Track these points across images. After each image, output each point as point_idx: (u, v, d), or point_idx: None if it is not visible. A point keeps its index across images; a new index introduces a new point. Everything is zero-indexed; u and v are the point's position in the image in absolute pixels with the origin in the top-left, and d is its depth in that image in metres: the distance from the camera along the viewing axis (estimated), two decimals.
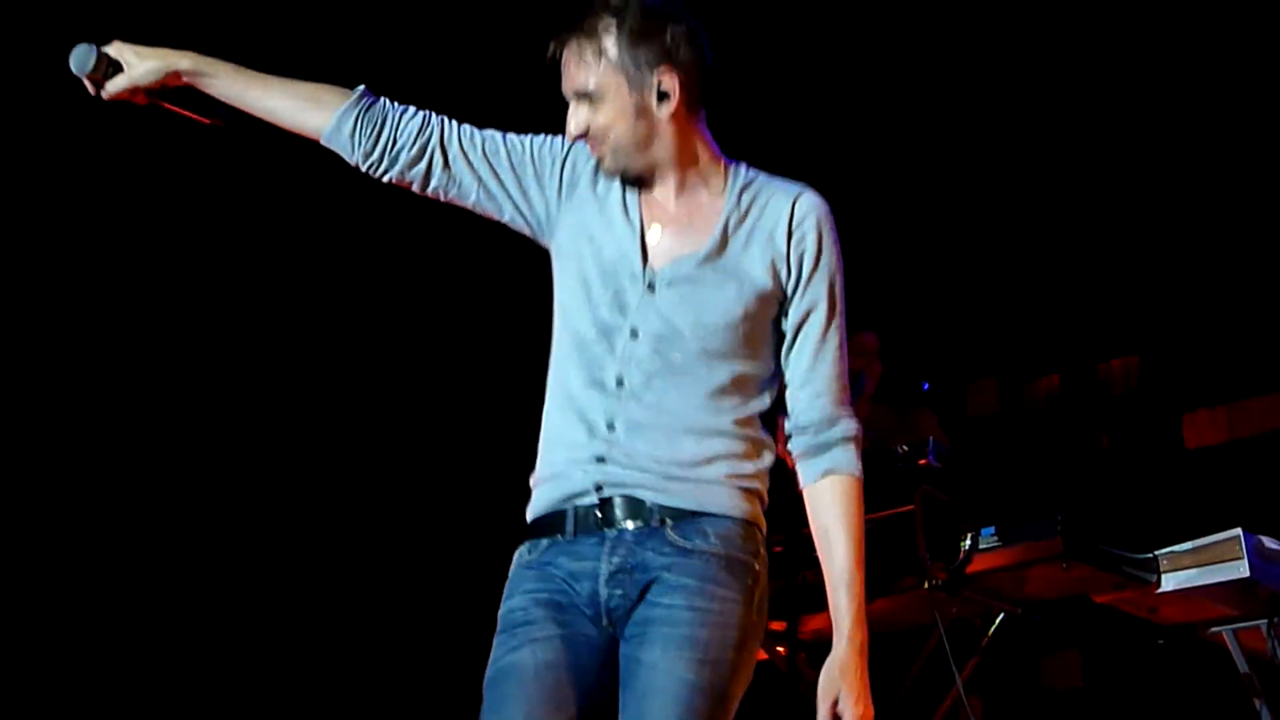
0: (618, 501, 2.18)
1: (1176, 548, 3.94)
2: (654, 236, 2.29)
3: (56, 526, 5.27)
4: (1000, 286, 6.97)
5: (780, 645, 4.15)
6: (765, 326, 2.27)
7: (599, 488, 2.19)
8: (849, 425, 2.26)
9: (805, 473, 2.27)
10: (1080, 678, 6.61)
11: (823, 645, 2.23)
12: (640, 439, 2.19)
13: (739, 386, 2.24)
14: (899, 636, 4.27)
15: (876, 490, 3.92)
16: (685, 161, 2.29)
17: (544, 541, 2.23)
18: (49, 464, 5.26)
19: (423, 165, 2.35)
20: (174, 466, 5.54)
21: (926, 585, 3.99)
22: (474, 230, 2.47)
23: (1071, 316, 6.91)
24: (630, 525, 2.17)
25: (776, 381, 2.30)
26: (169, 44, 2.38)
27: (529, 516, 2.29)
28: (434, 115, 2.39)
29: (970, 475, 4.15)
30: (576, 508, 2.21)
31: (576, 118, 2.27)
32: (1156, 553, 3.98)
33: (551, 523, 2.24)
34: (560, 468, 2.25)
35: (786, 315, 2.27)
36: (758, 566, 2.19)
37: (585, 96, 2.26)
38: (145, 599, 5.41)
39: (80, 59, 2.33)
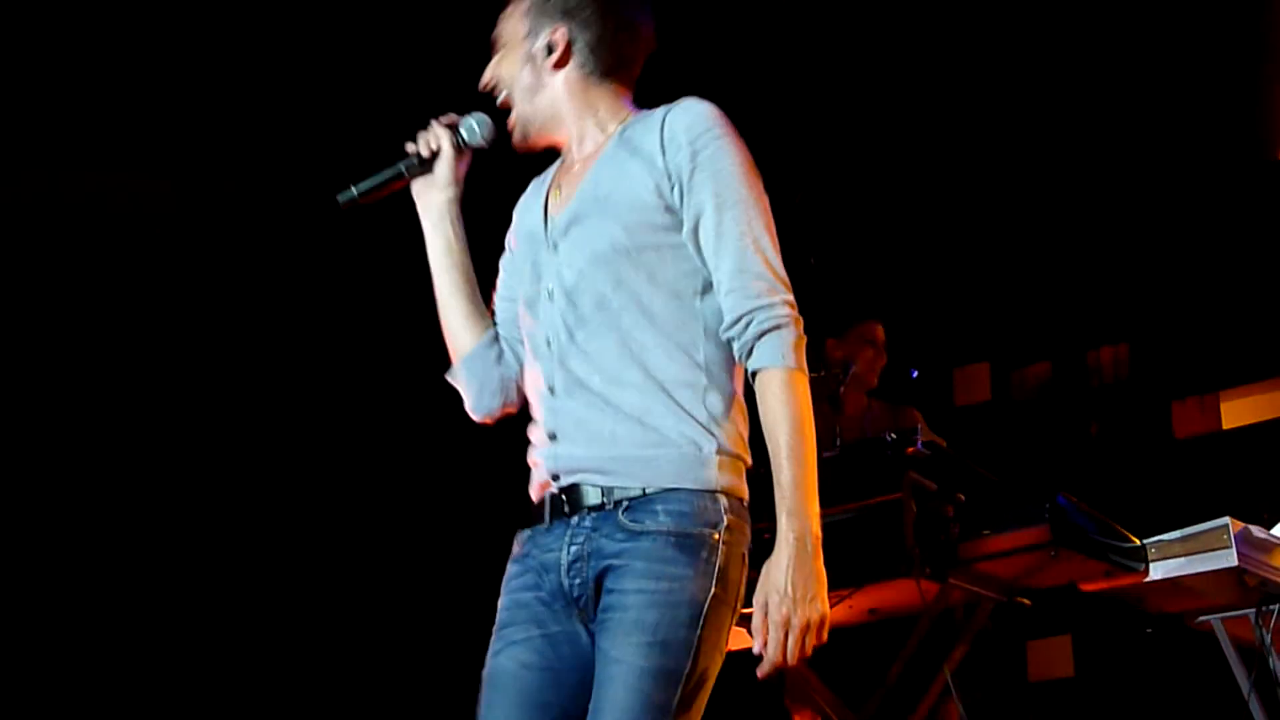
0: (575, 488, 2.19)
1: (1165, 536, 3.93)
2: (555, 200, 2.33)
3: (59, 527, 5.27)
4: (991, 274, 6.97)
5: None
6: (673, 252, 2.20)
7: (556, 477, 2.21)
8: (765, 315, 2.15)
9: (749, 381, 2.20)
10: (1069, 666, 6.62)
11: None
12: (579, 400, 2.19)
13: (664, 319, 2.19)
14: (886, 625, 4.26)
15: (864, 478, 3.92)
16: (582, 124, 2.33)
17: (527, 532, 2.26)
18: (54, 466, 5.28)
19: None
20: (174, 467, 5.55)
21: (914, 574, 3.97)
22: (470, 229, 2.49)
23: (1062, 304, 6.91)
24: (588, 511, 2.17)
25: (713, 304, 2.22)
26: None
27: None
28: (503, 347, 2.43)
29: (959, 463, 4.13)
30: (551, 495, 2.23)
31: (489, 67, 2.37)
32: (1145, 541, 3.97)
33: (536, 509, 2.27)
34: (534, 450, 2.28)
35: (685, 230, 2.21)
36: (715, 537, 2.11)
37: (497, 47, 2.36)
38: (145, 599, 5.41)
39: (475, 128, 2.39)
